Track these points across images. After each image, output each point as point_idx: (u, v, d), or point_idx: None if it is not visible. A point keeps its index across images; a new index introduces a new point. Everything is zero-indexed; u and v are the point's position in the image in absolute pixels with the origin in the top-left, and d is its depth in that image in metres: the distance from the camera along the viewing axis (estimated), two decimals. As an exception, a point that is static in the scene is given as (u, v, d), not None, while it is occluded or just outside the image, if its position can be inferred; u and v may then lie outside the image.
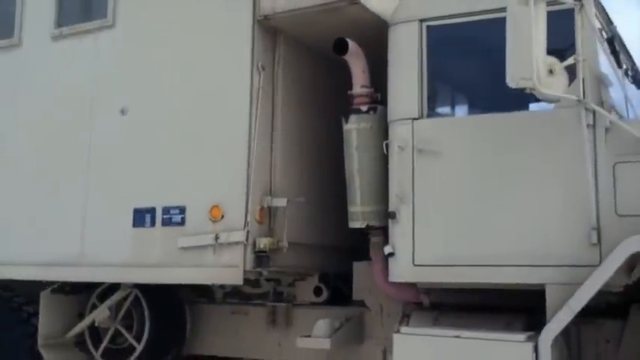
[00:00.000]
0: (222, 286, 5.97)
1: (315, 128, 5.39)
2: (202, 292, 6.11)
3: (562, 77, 4.04)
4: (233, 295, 6.03)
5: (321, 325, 5.15)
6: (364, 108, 4.98)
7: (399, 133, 4.73)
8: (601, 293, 4.34)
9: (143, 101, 5.54)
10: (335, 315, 5.32)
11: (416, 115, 4.70)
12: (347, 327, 5.24)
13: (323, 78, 5.41)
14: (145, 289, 5.80)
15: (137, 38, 5.67)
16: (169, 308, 5.95)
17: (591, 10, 4.34)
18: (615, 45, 4.94)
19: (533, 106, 4.61)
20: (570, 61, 4.06)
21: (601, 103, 4.23)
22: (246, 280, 5.68)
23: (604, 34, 4.86)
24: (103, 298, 5.97)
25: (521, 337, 4.07)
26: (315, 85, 5.46)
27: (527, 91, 3.88)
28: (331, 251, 5.56)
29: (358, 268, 5.29)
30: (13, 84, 6.27)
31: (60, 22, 6.12)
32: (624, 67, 5.26)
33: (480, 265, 4.42)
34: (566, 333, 4.67)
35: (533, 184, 4.36)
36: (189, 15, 5.44)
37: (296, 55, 5.39)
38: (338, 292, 5.75)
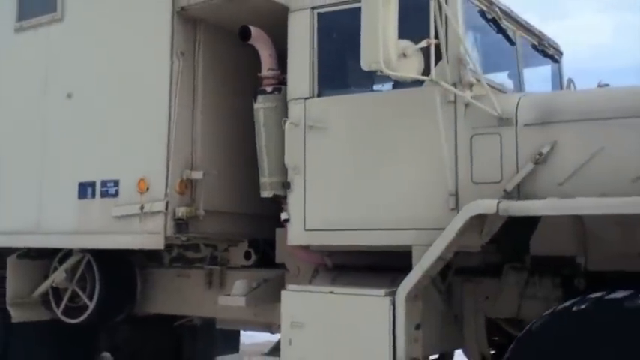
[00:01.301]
0: (169, 252, 6.59)
1: (234, 106, 5.86)
2: (152, 257, 6.74)
3: (415, 59, 4.44)
4: (178, 259, 6.64)
5: (239, 285, 5.73)
6: (269, 89, 5.47)
7: (294, 111, 5.21)
8: (471, 253, 4.82)
9: (85, 87, 6.17)
10: (255, 276, 5.89)
11: (307, 95, 5.17)
12: (264, 286, 5.79)
13: (242, 60, 5.87)
14: (97, 253, 6.44)
15: (80, 31, 6.29)
16: (119, 271, 6.58)
17: (455, -4, 4.71)
18: (500, 24, 5.31)
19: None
20: (423, 44, 4.45)
21: (459, 81, 4.62)
22: (188, 246, 6.34)
23: (487, 14, 5.24)
24: (62, 262, 6.66)
25: (382, 292, 4.56)
26: (234, 66, 5.93)
27: (379, 72, 4.31)
28: (259, 219, 6.06)
29: (279, 233, 5.79)
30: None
31: (21, 16, 6.78)
32: (517, 42, 5.62)
33: (358, 229, 4.90)
34: (449, 290, 5.17)
35: (402, 156, 4.80)
36: (120, 9, 6.03)
37: (216, 41, 5.88)
38: (267, 256, 6.29)
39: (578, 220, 4.50)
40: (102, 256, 6.46)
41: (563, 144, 4.34)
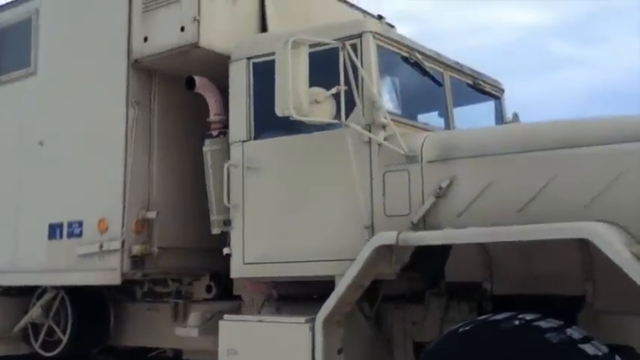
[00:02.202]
0: (140, 287, 7.03)
1: (189, 148, 6.26)
2: (125, 292, 7.18)
3: (327, 104, 4.88)
4: (149, 294, 7.07)
5: (193, 317, 6.15)
6: (215, 133, 5.94)
7: (234, 153, 5.66)
8: (397, 281, 5.16)
9: (54, 134, 6.71)
10: (211, 308, 6.28)
11: (245, 138, 5.62)
12: (217, 317, 6.16)
13: (195, 105, 6.34)
14: (70, 290, 6.91)
15: (51, 83, 6.87)
16: (92, 306, 7.02)
17: (368, 45, 5.14)
18: (423, 68, 5.72)
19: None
20: (333, 90, 4.89)
21: (373, 123, 5.02)
22: (157, 281, 6.77)
23: (410, 59, 5.65)
24: (40, 298, 7.13)
25: (302, 319, 4.93)
26: (188, 112, 6.37)
27: (291, 118, 4.74)
28: (219, 253, 6.50)
29: (234, 267, 6.22)
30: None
31: (0, 71, 7.39)
32: (445, 83, 6.02)
33: (289, 261, 5.29)
34: (377, 316, 5.51)
35: (325, 192, 5.21)
36: (83, 62, 6.57)
37: (171, 88, 6.36)
38: (230, 289, 6.67)
39: (483, 247, 4.84)
40: (75, 292, 6.93)
41: (460, 178, 4.70)
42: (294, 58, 4.70)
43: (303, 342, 4.86)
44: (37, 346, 7.08)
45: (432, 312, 5.31)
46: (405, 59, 5.61)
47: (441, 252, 4.94)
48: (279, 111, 4.73)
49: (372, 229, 4.95)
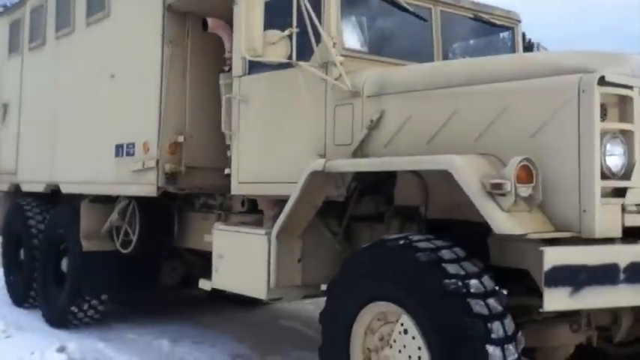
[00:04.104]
0: (198, 199, 8.22)
1: (217, 81, 7.20)
2: (187, 203, 8.42)
3: (282, 45, 5.51)
4: (204, 206, 8.25)
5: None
6: (227, 68, 6.80)
7: (234, 87, 6.50)
8: (366, 203, 5.80)
9: (121, 68, 7.96)
10: (238, 220, 7.25)
11: (240, 74, 6.43)
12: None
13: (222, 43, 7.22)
14: (140, 199, 8.26)
15: (117, 24, 8.11)
16: (158, 213, 8.31)
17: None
18: (400, 5, 6.10)
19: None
20: (287, 32, 5.50)
21: (327, 62, 5.59)
22: (210, 195, 7.88)
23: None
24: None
25: (262, 232, 5.78)
26: (218, 49, 7.30)
27: (247, 59, 5.47)
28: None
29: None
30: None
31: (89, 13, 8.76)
32: (433, 19, 6.33)
33: (267, 182, 6.10)
34: (349, 233, 6.19)
35: (293, 123, 5.90)
36: (135, 6, 7.71)
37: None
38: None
39: (419, 176, 5.33)
40: (144, 201, 8.27)
41: (388, 112, 5.19)
42: (248, 4, 5.37)
43: (262, 250, 5.72)
44: (118, 245, 8.57)
45: (392, 231, 5.89)
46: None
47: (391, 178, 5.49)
48: (242, 54, 5.47)
49: (325, 157, 5.61)
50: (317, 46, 5.64)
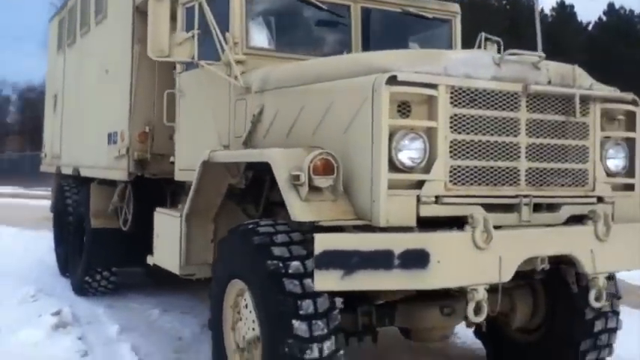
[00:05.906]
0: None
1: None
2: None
3: (188, 46, 6.10)
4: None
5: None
6: (178, 65, 7.49)
7: (175, 82, 7.18)
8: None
9: (112, 65, 8.85)
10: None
11: (180, 71, 7.08)
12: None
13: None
14: (135, 182, 9.12)
15: (110, 25, 8.99)
16: (151, 194, 9.13)
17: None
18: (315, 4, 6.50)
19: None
20: (190, 34, 6.08)
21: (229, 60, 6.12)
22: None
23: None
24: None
25: (177, 214, 6.42)
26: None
27: (160, 59, 6.12)
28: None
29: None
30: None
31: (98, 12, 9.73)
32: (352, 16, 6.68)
33: (188, 169, 6.69)
34: (270, 216, 6.69)
35: (206, 116, 6.51)
36: (116, 7, 8.58)
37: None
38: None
39: None
40: (138, 184, 9.13)
41: (266, 107, 5.67)
42: (155, 8, 6.00)
43: (176, 231, 6.38)
44: (120, 223, 9.53)
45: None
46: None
47: None
48: (151, 55, 6.13)
49: (228, 147, 6.17)
50: (226, 45, 6.18)
